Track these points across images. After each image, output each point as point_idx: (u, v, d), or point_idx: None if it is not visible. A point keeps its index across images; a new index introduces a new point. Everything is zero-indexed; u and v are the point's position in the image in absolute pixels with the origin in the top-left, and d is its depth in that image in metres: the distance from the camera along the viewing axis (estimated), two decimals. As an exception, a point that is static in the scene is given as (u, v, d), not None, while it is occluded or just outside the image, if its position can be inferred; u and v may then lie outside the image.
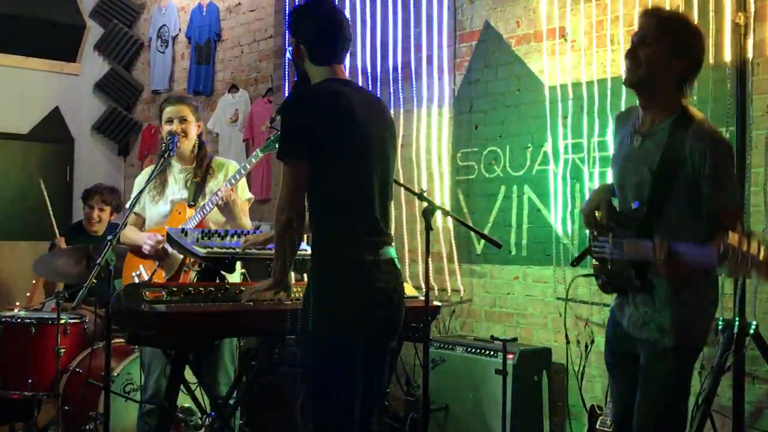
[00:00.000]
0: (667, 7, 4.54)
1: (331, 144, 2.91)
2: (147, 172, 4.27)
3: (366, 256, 2.92)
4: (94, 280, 3.58)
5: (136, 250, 4.09)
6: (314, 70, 3.06)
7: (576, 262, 3.47)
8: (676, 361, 2.86)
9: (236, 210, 3.99)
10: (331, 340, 2.86)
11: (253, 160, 4.03)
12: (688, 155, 2.77)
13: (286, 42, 6.51)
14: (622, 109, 4.68)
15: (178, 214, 4.07)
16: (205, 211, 3.98)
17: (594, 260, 3.08)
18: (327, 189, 2.94)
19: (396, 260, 3.07)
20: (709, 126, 2.89)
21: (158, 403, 3.87)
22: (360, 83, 6.11)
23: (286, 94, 6.57)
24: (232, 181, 3.98)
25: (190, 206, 4.07)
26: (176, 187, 4.16)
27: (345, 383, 2.88)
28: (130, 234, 4.13)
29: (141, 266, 4.16)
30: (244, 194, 4.23)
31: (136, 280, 4.10)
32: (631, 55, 2.88)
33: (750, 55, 4.21)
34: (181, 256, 3.95)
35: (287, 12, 6.40)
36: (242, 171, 4.02)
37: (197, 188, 4.10)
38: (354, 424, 2.92)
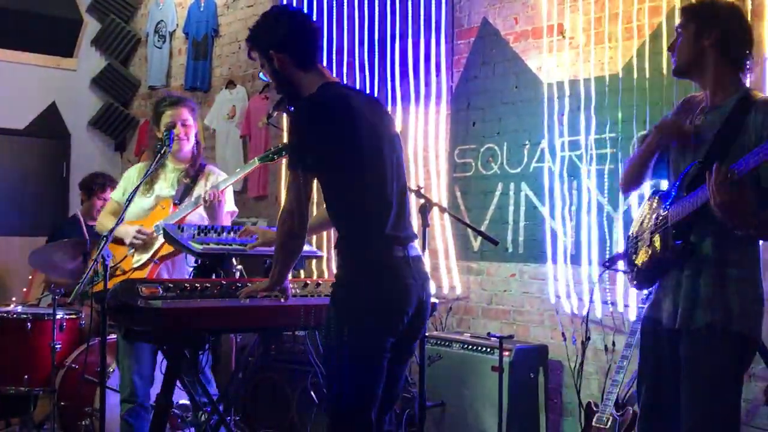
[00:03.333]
0: (664, 6, 4.55)
1: (346, 150, 2.88)
2: (139, 167, 4.26)
3: (395, 254, 2.90)
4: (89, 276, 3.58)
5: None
6: (304, 77, 2.99)
7: (609, 264, 3.44)
8: (726, 351, 2.73)
9: (220, 213, 4.03)
10: (360, 338, 2.82)
11: (248, 168, 4.05)
12: (751, 122, 2.73)
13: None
14: (619, 106, 4.71)
15: (161, 209, 4.09)
16: (186, 210, 3.99)
17: (634, 256, 3.02)
18: (348, 193, 2.92)
19: (422, 257, 3.06)
20: None
21: (136, 403, 3.86)
22: (357, 80, 6.12)
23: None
24: (221, 185, 4.00)
25: (175, 204, 4.07)
26: (165, 184, 4.16)
27: (371, 381, 2.85)
28: (107, 224, 4.06)
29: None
30: (228, 206, 4.20)
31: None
32: (671, 47, 2.97)
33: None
34: (159, 242, 3.95)
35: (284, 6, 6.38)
36: (234, 177, 4.03)
37: (185, 189, 4.11)
38: (371, 423, 2.90)
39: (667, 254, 2.83)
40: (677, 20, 3.01)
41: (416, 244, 3.02)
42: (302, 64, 2.98)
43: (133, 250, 4.05)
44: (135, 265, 4.04)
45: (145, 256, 4.04)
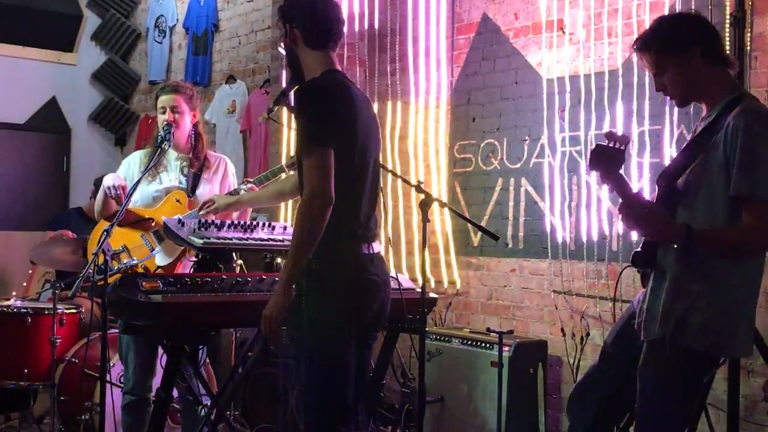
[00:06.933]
0: (666, 1, 4.54)
1: (344, 137, 2.86)
2: (135, 155, 4.19)
3: (362, 251, 2.92)
4: (90, 270, 3.57)
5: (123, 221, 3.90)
6: (310, 56, 2.98)
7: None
8: (668, 363, 2.68)
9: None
10: (328, 331, 2.84)
11: (244, 188, 3.93)
12: (721, 138, 2.60)
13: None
14: (619, 101, 4.71)
15: (176, 203, 4.02)
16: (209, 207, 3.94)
17: None
18: (335, 183, 2.84)
19: (382, 255, 3.06)
20: (756, 105, 2.69)
21: (138, 396, 3.85)
22: (357, 74, 6.11)
23: (284, 85, 6.54)
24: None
25: (189, 198, 4.02)
26: (172, 175, 4.11)
27: (340, 373, 2.87)
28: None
29: (123, 244, 3.93)
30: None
31: (123, 260, 3.82)
32: (660, 88, 2.83)
33: (748, 48, 4.22)
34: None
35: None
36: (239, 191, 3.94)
37: (195, 179, 4.06)
38: (350, 412, 2.92)
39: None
40: (644, 61, 2.84)
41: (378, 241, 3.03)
42: (313, 43, 2.97)
43: (156, 251, 3.97)
44: (160, 265, 3.93)
45: (170, 258, 3.96)
